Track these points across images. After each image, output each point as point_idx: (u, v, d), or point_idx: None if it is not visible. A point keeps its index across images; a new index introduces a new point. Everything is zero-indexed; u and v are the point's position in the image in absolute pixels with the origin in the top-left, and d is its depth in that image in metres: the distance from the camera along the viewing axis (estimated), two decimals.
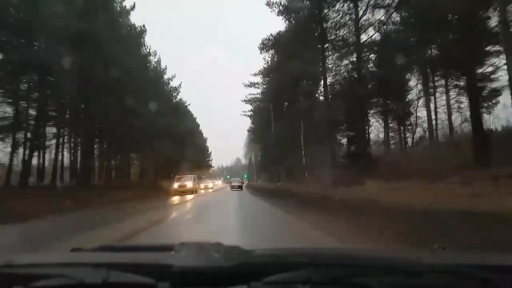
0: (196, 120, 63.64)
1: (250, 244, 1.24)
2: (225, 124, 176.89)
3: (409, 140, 27.29)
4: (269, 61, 34.71)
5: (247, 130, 58.77)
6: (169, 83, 37.60)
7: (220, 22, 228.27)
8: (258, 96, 40.16)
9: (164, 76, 36.90)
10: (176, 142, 34.56)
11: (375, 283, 0.94)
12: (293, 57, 22.63)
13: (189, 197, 21.73)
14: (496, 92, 19.88)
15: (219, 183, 79.93)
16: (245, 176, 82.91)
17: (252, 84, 39.32)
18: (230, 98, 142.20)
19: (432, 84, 24.76)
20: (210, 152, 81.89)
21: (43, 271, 1.02)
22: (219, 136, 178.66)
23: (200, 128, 68.40)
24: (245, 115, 44.09)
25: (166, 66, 36.46)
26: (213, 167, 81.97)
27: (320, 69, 23.37)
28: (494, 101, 20.87)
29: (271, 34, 24.81)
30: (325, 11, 21.14)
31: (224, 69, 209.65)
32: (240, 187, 37.75)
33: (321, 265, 1.03)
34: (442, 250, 1.23)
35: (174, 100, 39.29)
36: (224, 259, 1.00)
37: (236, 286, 0.91)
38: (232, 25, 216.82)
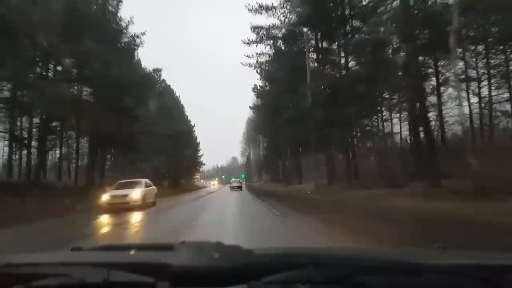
0: (179, 98, 49.29)
1: (250, 244, 1.24)
2: (220, 123, 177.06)
3: None
4: None
5: (249, 107, 44.74)
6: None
7: (219, 14, 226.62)
8: (274, 33, 22.78)
9: None
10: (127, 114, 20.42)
11: (375, 283, 0.94)
12: None
13: None
14: None
15: (214, 183, 76.03)
16: (243, 176, 76.17)
17: (262, 9, 22.09)
18: (226, 97, 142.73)
19: None
20: (199, 143, 65.04)
21: (43, 271, 1.02)
22: (215, 135, 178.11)
23: (185, 110, 53.18)
24: (248, 66, 25.83)
25: None
26: (204, 164, 68.43)
27: None
28: None
29: None
30: None
31: (221, 67, 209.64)
32: (239, 187, 40.98)
33: (321, 264, 1.03)
34: (442, 250, 1.24)
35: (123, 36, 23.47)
36: (224, 258, 1.00)
37: (236, 286, 0.91)
38: (231, 18, 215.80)
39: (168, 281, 0.92)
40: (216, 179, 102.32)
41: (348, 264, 1.04)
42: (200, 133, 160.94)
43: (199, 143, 64.51)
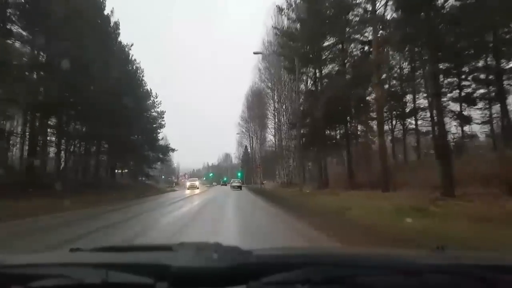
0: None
1: (249, 245, 1.23)
2: (214, 123, 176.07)
3: None
4: None
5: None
6: None
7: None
8: None
9: None
10: None
11: (374, 283, 0.94)
12: None
13: None
14: None
15: (195, 184, 40.98)
16: (239, 174, 61.27)
17: None
18: (218, 93, 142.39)
19: None
20: (163, 111, 40.67)
21: (42, 271, 1.02)
22: (210, 136, 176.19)
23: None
24: None
25: None
26: (175, 149, 45.18)
27: None
28: None
29: None
30: None
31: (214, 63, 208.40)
32: (239, 187, 38.51)
33: (320, 265, 1.03)
34: (442, 250, 1.24)
35: None
36: (223, 259, 1.00)
37: (235, 286, 0.91)
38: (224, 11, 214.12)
39: (167, 282, 0.92)
40: (204, 178, 79.65)
41: (347, 265, 1.04)
42: (194, 134, 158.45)
43: (164, 112, 40.46)
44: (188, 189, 38.60)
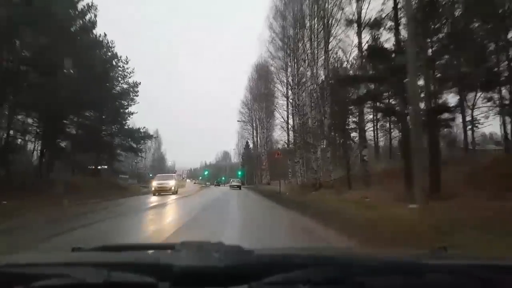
0: None
1: (251, 244, 1.24)
2: (213, 118, 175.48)
3: None
4: None
5: None
6: None
7: None
8: None
9: None
10: None
11: (375, 284, 0.94)
12: None
13: None
14: None
15: (168, 184, 24.39)
16: (240, 173, 56.84)
17: None
18: (218, 92, 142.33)
19: None
20: (132, 71, 30.11)
21: (44, 271, 1.02)
22: (207, 130, 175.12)
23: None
24: None
25: None
26: (155, 136, 40.04)
27: None
28: None
29: None
30: None
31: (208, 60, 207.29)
32: (239, 187, 39.18)
33: (321, 265, 1.03)
34: (442, 250, 1.24)
35: None
36: (224, 259, 1.00)
37: (237, 286, 0.92)
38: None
39: (169, 281, 0.92)
40: (200, 178, 71.40)
41: (348, 265, 1.04)
42: (193, 133, 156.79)
43: (138, 84, 30.20)
44: (155, 194, 23.67)
